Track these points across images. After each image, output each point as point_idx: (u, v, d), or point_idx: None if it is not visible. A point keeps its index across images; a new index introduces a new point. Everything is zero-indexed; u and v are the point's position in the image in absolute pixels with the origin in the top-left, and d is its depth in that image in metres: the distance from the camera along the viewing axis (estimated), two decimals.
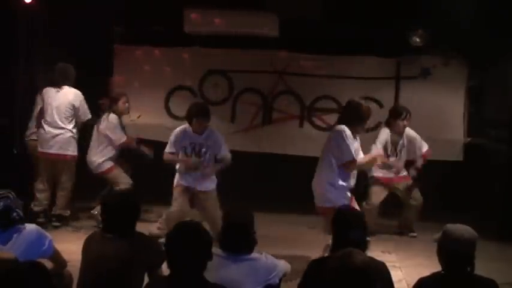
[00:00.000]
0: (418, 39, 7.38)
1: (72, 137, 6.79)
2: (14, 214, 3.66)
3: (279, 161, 7.78)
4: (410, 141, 6.95)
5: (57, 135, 6.70)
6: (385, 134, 6.89)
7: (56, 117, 6.70)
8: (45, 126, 6.72)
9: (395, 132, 6.88)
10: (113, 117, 6.84)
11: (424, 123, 7.55)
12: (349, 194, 5.34)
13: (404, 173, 7.02)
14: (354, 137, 5.32)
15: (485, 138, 7.53)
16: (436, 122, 7.61)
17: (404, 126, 6.88)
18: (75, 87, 6.82)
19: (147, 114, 7.80)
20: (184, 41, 7.86)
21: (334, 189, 5.25)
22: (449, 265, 3.20)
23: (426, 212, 7.15)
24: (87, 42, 7.33)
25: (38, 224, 6.28)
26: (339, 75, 7.84)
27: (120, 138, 6.87)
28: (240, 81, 7.95)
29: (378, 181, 6.89)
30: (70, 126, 6.75)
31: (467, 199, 7.22)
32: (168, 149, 6.31)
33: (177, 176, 6.34)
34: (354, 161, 5.24)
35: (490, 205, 7.08)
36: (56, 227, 6.71)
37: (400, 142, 6.92)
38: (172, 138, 6.31)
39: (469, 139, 7.66)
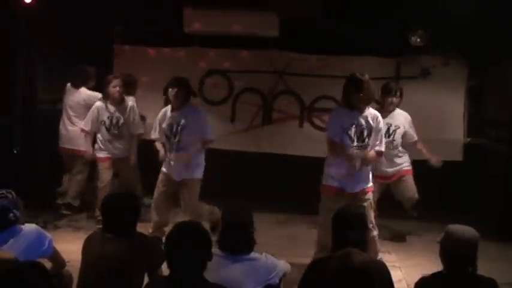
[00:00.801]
0: (418, 39, 7.37)
1: None
2: (11, 215, 3.64)
3: (279, 161, 7.78)
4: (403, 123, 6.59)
5: (70, 131, 7.12)
6: None
7: (71, 114, 7.12)
8: (62, 123, 7.17)
9: (384, 111, 6.36)
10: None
11: (424, 123, 7.55)
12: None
13: (400, 166, 6.67)
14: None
15: (485, 138, 7.53)
16: (436, 122, 7.60)
17: (392, 104, 6.49)
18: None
19: (147, 114, 7.79)
20: (184, 41, 7.86)
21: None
22: (451, 265, 3.21)
23: (426, 212, 7.16)
24: (87, 42, 7.34)
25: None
26: (339, 75, 7.78)
27: None
28: (240, 81, 7.94)
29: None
30: (82, 124, 6.93)
31: (467, 199, 7.22)
32: (152, 136, 6.27)
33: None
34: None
35: (490, 205, 7.08)
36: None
37: (393, 123, 6.51)
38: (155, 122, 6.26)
39: (469, 139, 7.65)
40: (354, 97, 5.32)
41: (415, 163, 7.09)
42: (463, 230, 3.25)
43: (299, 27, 7.46)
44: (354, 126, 5.34)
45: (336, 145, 5.38)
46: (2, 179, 4.84)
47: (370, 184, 5.49)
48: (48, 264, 3.60)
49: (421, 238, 6.74)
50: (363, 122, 5.37)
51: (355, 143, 5.35)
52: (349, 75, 5.50)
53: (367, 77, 5.40)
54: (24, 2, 6.88)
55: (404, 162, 6.70)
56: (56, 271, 3.82)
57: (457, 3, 6.68)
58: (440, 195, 7.52)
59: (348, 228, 3.35)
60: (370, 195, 5.45)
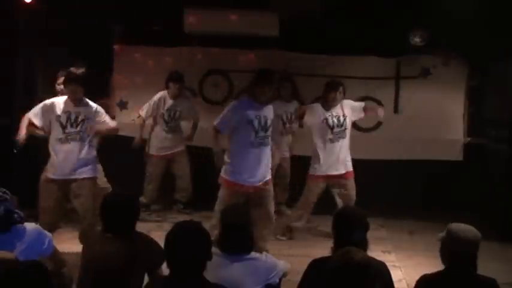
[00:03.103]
0: (418, 39, 7.37)
1: None
2: (16, 216, 3.63)
3: None
4: None
5: None
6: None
7: None
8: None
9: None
10: None
11: (424, 123, 7.57)
12: None
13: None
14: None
15: (486, 138, 7.54)
16: (436, 122, 7.60)
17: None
18: None
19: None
20: (184, 41, 7.86)
21: None
22: (452, 264, 3.20)
23: (426, 212, 7.16)
24: (87, 42, 7.33)
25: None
26: (339, 75, 7.81)
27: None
28: (240, 81, 7.94)
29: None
30: None
31: (467, 199, 7.22)
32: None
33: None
34: None
35: (491, 205, 7.08)
36: None
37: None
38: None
39: (469, 139, 7.66)
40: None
41: (414, 163, 7.10)
42: (466, 229, 3.24)
43: (299, 27, 7.46)
44: None
45: None
46: (2, 179, 4.83)
47: None
48: (48, 264, 3.59)
49: (421, 238, 6.73)
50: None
51: None
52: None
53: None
54: (24, 2, 6.88)
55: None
56: (56, 271, 3.81)
57: (457, 3, 6.68)
58: (440, 195, 7.52)
59: (349, 228, 3.32)
60: None
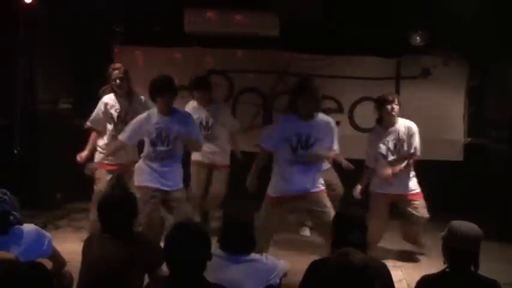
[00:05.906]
0: (418, 39, 7.38)
1: None
2: (12, 218, 3.62)
3: None
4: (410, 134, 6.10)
5: None
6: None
7: None
8: None
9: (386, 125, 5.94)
10: None
11: (424, 123, 7.54)
12: None
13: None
14: None
15: (486, 138, 7.54)
16: (436, 122, 7.60)
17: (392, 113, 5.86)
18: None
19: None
20: (184, 41, 7.87)
21: None
22: (454, 261, 3.20)
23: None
24: (87, 42, 7.34)
25: None
26: (339, 75, 7.83)
27: None
28: (240, 81, 7.95)
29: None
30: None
31: (467, 199, 7.21)
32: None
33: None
34: None
35: (490, 205, 7.08)
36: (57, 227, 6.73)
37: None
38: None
39: (469, 139, 7.66)
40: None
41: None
42: (466, 226, 3.23)
43: (299, 27, 7.47)
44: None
45: None
46: (2, 179, 4.83)
47: None
48: (48, 264, 3.59)
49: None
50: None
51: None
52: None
53: None
54: (24, 2, 6.88)
55: None
56: (56, 271, 3.81)
57: (457, 3, 6.68)
58: (440, 195, 7.50)
59: (349, 229, 3.32)
60: None
